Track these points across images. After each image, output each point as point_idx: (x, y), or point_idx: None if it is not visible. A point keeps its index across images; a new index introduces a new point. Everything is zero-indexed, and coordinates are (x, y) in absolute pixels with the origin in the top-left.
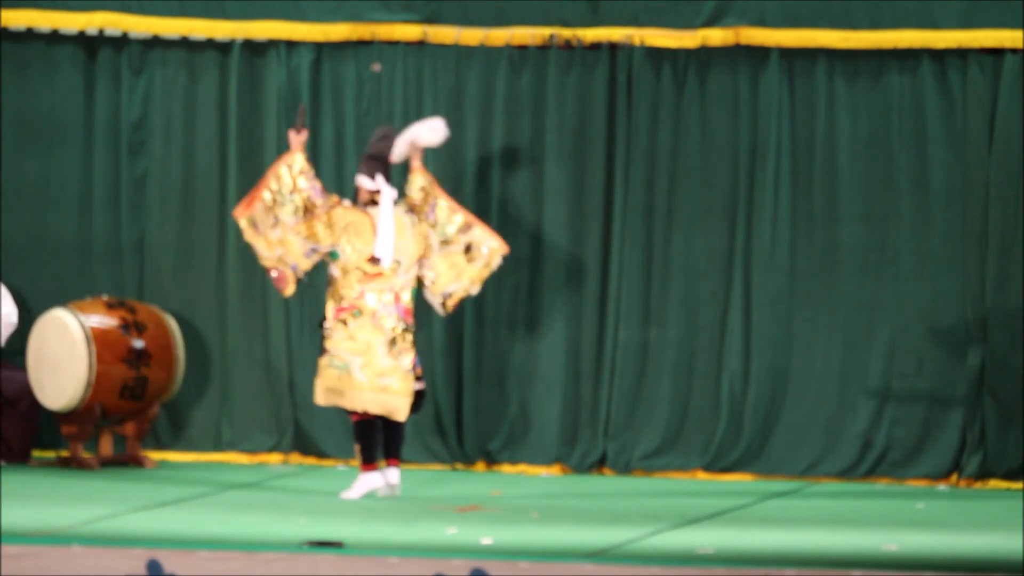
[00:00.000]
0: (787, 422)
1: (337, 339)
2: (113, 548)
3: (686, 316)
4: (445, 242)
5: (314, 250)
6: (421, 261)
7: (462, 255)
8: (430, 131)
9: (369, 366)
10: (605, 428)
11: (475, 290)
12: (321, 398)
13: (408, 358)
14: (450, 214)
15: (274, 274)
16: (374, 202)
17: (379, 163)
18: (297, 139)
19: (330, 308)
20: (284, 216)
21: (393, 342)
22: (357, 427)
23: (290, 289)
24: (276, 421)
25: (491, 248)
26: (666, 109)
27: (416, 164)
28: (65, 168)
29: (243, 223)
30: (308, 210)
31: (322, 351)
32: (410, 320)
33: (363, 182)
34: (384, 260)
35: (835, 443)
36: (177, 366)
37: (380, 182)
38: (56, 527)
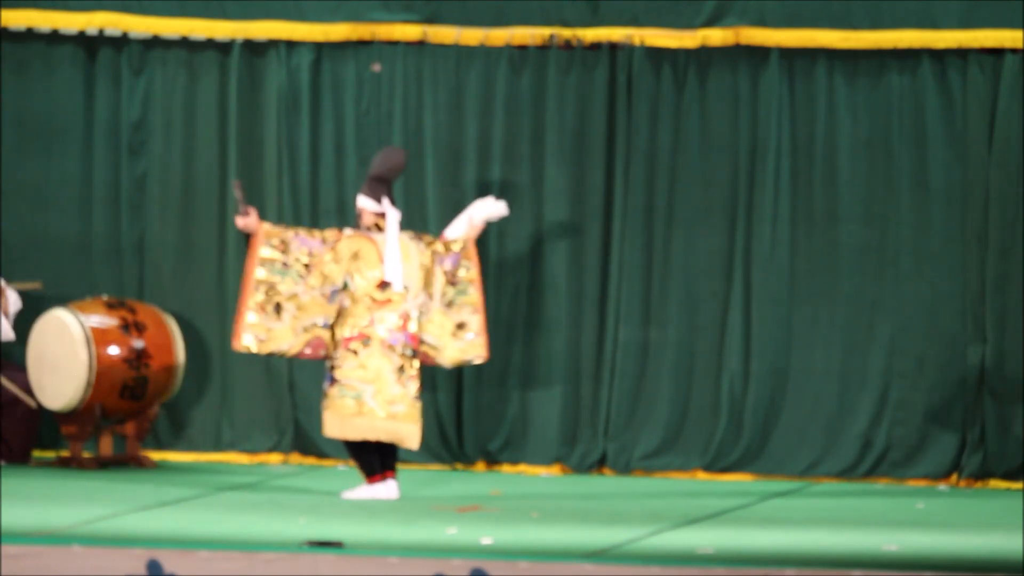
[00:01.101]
0: (787, 422)
1: (348, 368)
2: (113, 548)
3: (686, 316)
4: (449, 304)
5: (334, 291)
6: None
7: (453, 326)
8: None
9: (380, 394)
10: (605, 428)
11: (445, 364)
12: (333, 430)
13: (415, 385)
14: (469, 285)
15: (308, 351)
16: (378, 226)
17: (384, 185)
18: (247, 222)
19: (338, 337)
20: (285, 290)
21: (401, 369)
22: (349, 446)
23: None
24: (276, 421)
25: (477, 343)
26: (666, 109)
27: (472, 235)
28: (65, 168)
29: (252, 347)
30: (310, 265)
31: (331, 381)
32: (417, 346)
33: (367, 204)
34: (395, 284)
35: (835, 443)
36: (177, 366)
37: (385, 205)
38: (56, 527)
